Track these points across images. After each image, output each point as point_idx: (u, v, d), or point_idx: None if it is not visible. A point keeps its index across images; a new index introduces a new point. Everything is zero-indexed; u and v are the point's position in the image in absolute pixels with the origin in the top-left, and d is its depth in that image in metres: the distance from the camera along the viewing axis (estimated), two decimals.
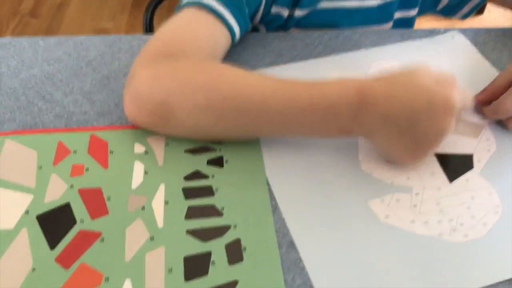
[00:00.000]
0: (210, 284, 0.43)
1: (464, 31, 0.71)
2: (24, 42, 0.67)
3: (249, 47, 0.67)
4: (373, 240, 0.46)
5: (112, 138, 0.54)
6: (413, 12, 0.77)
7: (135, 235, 0.46)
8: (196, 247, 0.45)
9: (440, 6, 0.77)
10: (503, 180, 0.51)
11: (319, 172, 0.52)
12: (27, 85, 0.60)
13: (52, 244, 0.45)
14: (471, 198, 0.50)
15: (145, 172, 0.51)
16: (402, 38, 0.70)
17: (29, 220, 0.46)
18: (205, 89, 0.50)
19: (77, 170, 0.51)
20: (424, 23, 1.69)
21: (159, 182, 0.50)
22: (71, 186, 0.49)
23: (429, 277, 0.43)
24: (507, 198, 0.50)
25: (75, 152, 0.52)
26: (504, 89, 0.56)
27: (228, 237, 0.46)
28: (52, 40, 0.67)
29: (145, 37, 0.68)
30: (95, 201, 0.48)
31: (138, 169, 0.51)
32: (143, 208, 0.48)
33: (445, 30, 0.72)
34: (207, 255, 0.45)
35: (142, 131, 0.54)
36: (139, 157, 0.52)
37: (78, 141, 0.53)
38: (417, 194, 0.50)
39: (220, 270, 0.43)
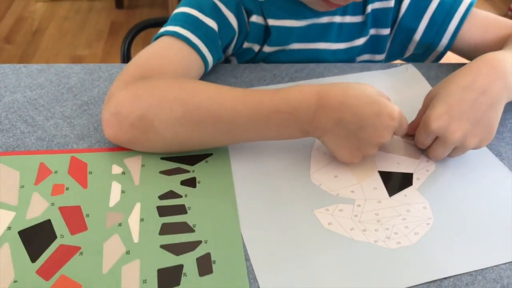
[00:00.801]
0: None
1: (417, 65, 0.78)
2: (6, 68, 0.70)
3: (222, 77, 0.72)
4: (316, 244, 0.51)
5: (91, 159, 0.58)
6: (380, 57, 0.83)
7: (112, 249, 0.49)
8: (169, 260, 0.48)
9: (407, 54, 0.84)
10: (437, 196, 0.57)
11: (275, 184, 0.57)
12: (10, 109, 0.63)
13: (34, 257, 0.47)
14: (407, 211, 0.56)
15: (122, 191, 0.54)
16: (362, 71, 0.76)
17: (11, 235, 0.49)
18: (181, 101, 0.55)
19: (57, 189, 0.54)
20: None
21: (135, 201, 0.54)
22: (52, 204, 0.52)
23: (364, 277, 0.49)
24: (439, 212, 0.56)
25: (56, 172, 0.55)
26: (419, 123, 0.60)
27: (199, 251, 0.50)
28: (34, 67, 0.70)
29: (123, 65, 0.73)
30: (75, 218, 0.51)
31: (116, 188, 0.55)
32: (120, 224, 0.51)
33: (401, 64, 0.78)
34: (179, 267, 0.48)
35: (119, 153, 0.58)
36: (117, 177, 0.56)
37: (59, 162, 0.57)
38: (359, 205, 0.56)
39: (191, 281, 0.47)
